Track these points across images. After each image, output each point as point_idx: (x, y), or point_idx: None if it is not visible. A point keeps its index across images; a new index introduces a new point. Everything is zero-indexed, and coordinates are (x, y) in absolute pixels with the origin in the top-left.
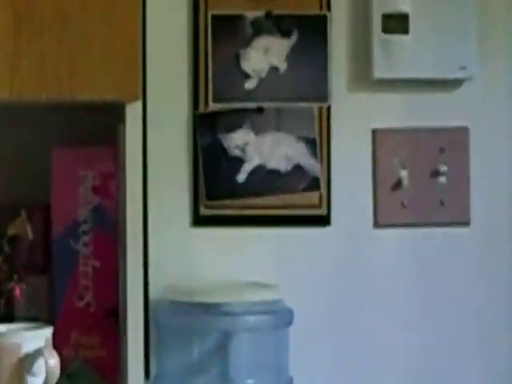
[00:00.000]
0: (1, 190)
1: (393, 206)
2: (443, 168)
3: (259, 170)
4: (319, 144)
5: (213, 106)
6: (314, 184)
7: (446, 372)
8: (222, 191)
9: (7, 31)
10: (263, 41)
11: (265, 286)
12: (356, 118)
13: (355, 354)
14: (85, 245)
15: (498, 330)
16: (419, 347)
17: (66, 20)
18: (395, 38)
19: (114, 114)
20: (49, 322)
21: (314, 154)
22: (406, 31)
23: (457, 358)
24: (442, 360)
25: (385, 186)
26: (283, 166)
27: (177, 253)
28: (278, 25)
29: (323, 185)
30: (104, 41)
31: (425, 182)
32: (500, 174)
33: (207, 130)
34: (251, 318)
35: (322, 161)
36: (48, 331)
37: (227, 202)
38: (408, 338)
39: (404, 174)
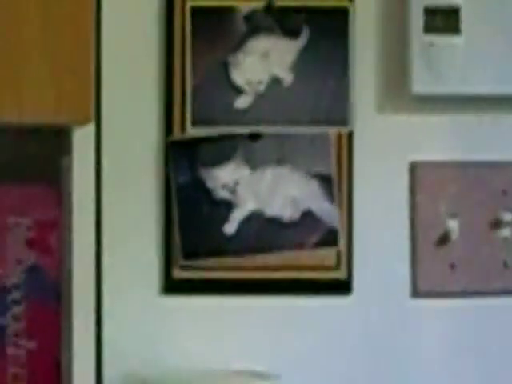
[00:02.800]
0: None
1: (438, 268)
2: (507, 217)
3: (255, 218)
4: (337, 183)
5: (192, 131)
6: (330, 237)
7: None
8: (203, 247)
9: None
10: (261, 42)
11: (260, 375)
12: (388, 147)
13: None
14: (15, 319)
15: None
16: None
17: None
18: (442, 40)
19: (57, 142)
20: None
21: (330, 196)
22: (456, 31)
23: None
24: None
25: (427, 241)
26: (288, 212)
27: (141, 330)
28: (282, 21)
29: (343, 238)
30: (44, 48)
31: (482, 235)
32: None
33: (184, 162)
34: None
35: (340, 206)
36: None
37: (210, 261)
38: None
39: (453, 224)
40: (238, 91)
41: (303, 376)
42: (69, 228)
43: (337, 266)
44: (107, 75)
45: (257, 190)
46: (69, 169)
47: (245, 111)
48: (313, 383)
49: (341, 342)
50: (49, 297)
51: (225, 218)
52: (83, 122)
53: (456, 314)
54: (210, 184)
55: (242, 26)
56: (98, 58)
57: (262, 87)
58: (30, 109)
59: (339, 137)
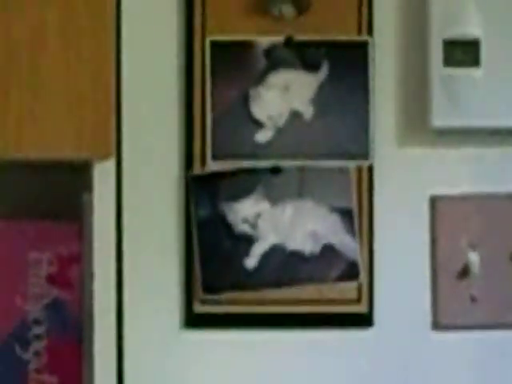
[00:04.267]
0: None
1: (459, 301)
2: None
3: (276, 252)
4: (358, 216)
5: (212, 166)
6: (351, 271)
7: None
8: (224, 281)
9: None
10: (281, 76)
11: None
12: (408, 180)
13: None
14: (36, 354)
15: None
16: None
17: (13, 59)
18: (462, 72)
19: (78, 177)
20: None
21: (351, 229)
22: (476, 63)
23: None
24: None
25: (448, 274)
26: (309, 246)
27: (162, 365)
28: (302, 54)
29: (364, 272)
30: (65, 83)
31: (504, 268)
32: None
33: (204, 197)
34: None
35: (361, 239)
36: None
37: (232, 295)
38: None
39: (474, 257)
40: (259, 125)
41: None
42: (89, 263)
43: (358, 300)
44: (128, 110)
45: (278, 223)
46: (90, 204)
47: (265, 145)
48: None
49: (362, 373)
50: (70, 332)
51: (245, 252)
52: (104, 157)
53: (477, 347)
54: (230, 218)
55: (261, 60)
56: (118, 93)
57: (282, 121)
58: (51, 144)
59: (359, 171)
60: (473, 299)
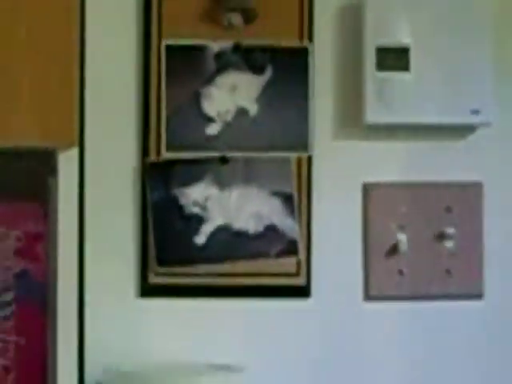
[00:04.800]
0: None
1: (388, 275)
2: (450, 230)
3: (223, 231)
4: (297, 200)
5: (166, 155)
6: (290, 248)
7: None
8: (176, 256)
9: None
10: (230, 77)
11: (227, 369)
12: (343, 169)
13: None
14: (5, 318)
15: None
16: None
17: None
18: (393, 75)
19: (43, 163)
20: None
21: (290, 212)
22: (406, 68)
23: None
24: None
25: (378, 252)
26: (253, 226)
27: (120, 329)
28: (249, 58)
29: (302, 249)
30: (32, 78)
31: (428, 247)
32: None
33: (159, 182)
34: None
35: (300, 220)
36: None
37: (183, 268)
38: None
39: (402, 237)
40: (209, 120)
41: (267, 368)
42: (54, 239)
43: (297, 274)
44: (91, 104)
45: (225, 206)
46: (55, 188)
47: (214, 138)
48: (274, 377)
49: (299, 340)
50: (36, 298)
51: (196, 231)
52: (68, 146)
53: (403, 317)
54: (182, 201)
55: (212, 63)
56: (82, 89)
57: (229, 117)
58: (18, 134)
59: (299, 161)
60: (400, 273)
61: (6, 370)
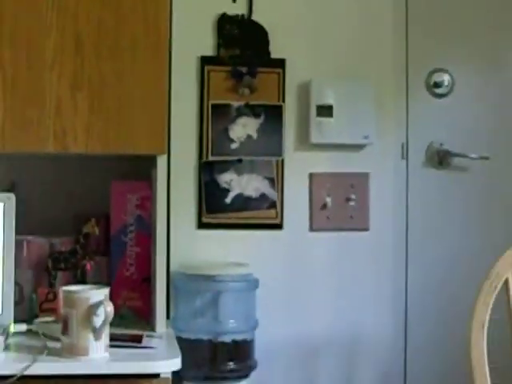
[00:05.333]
0: (80, 206)
1: (321, 219)
2: (352, 196)
3: (239, 196)
4: (276, 181)
5: (211, 158)
6: (272, 205)
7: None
8: (215, 208)
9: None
10: (242, 120)
11: (241, 264)
12: (300, 166)
13: (294, 305)
14: (130, 239)
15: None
16: (337, 305)
17: (115, 94)
18: (324, 119)
19: (150, 161)
20: (107, 284)
21: (273, 187)
22: (331, 116)
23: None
24: (351, 315)
25: (317, 207)
26: (254, 194)
27: (188, 244)
28: (252, 110)
29: (278, 206)
30: (141, 108)
31: (341, 204)
32: (385, 200)
33: (207, 171)
34: (232, 284)
35: (277, 191)
36: (106, 290)
37: (218, 214)
38: (328, 297)
39: (328, 199)
40: (232, 141)
41: (260, 266)
42: (155, 200)
43: (276, 218)
44: (173, 131)
45: (240, 184)
46: (155, 173)
47: (235, 150)
48: (264, 269)
49: (277, 250)
50: (145, 229)
51: (225, 196)
52: (162, 153)
53: (328, 240)
54: (218, 181)
55: (234, 113)
56: (169, 122)
57: (243, 139)
58: (137, 146)
59: (277, 161)
60: (328, 218)
61: (130, 264)
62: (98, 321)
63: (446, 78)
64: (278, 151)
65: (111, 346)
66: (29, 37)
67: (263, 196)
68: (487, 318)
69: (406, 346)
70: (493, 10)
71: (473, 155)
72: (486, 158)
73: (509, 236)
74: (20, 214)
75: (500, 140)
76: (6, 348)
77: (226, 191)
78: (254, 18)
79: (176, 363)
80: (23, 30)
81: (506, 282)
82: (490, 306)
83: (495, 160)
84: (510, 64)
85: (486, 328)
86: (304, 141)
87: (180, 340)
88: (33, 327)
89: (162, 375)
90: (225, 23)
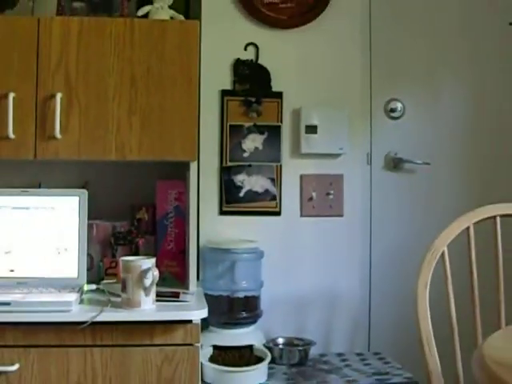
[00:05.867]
0: (135, 199)
1: (308, 208)
2: (331, 191)
3: (249, 192)
4: (276, 180)
5: (229, 163)
6: (273, 198)
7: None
8: (232, 199)
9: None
10: (251, 136)
11: (251, 241)
12: (292, 170)
13: (289, 270)
14: (170, 222)
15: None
16: (320, 270)
17: (159, 118)
18: (311, 135)
19: (185, 165)
20: (154, 255)
21: (274, 185)
22: (315, 133)
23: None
24: (330, 277)
25: (305, 199)
26: (260, 189)
27: (212, 226)
28: (259, 129)
29: (278, 198)
30: (178, 131)
31: (323, 197)
32: (355, 194)
33: (226, 173)
34: (245, 255)
35: (277, 188)
36: (153, 260)
37: (235, 204)
38: (313, 264)
39: (314, 194)
40: (244, 151)
41: (265, 242)
42: (188, 194)
43: (276, 207)
44: (202, 143)
45: (250, 182)
46: (189, 175)
47: (246, 157)
48: (268, 244)
49: (276, 231)
50: (182, 216)
51: (239, 191)
52: (193, 159)
53: (313, 224)
54: (234, 180)
55: (245, 131)
56: (199, 137)
57: (252, 150)
58: (173, 154)
59: (277, 166)
60: (313, 207)
61: (171, 241)
62: (147, 282)
63: (399, 105)
64: (277, 158)
65: (157, 300)
66: (97, 76)
67: (267, 191)
68: (429, 279)
69: (370, 300)
70: (432, 55)
71: (418, 161)
72: (428, 164)
73: (443, 220)
74: (91, 204)
75: (438, 150)
76: (81, 302)
77: (240, 188)
78: (260, 61)
79: (204, 312)
80: (93, 71)
81: (443, 253)
82: (431, 270)
83: (435, 165)
84: (444, 93)
85: (428, 287)
86: (296, 151)
87: (206, 296)
88: (100, 287)
89: (193, 321)
90: (239, 65)
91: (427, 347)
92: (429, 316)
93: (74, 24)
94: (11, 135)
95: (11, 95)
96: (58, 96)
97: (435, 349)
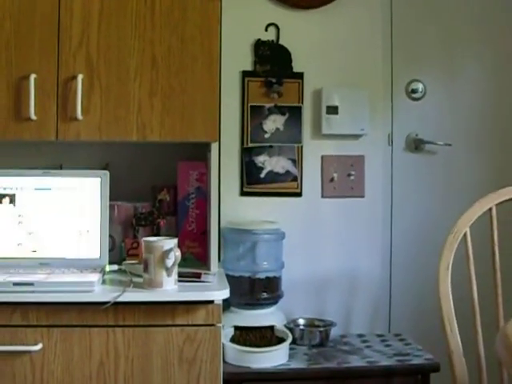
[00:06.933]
0: (156, 180)
1: (330, 189)
2: (352, 172)
3: (270, 172)
4: (297, 161)
5: (250, 144)
6: (294, 179)
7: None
8: (253, 180)
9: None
10: (273, 117)
11: (272, 222)
12: (313, 150)
13: (310, 251)
14: (192, 203)
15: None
16: (341, 251)
17: (180, 98)
18: (332, 116)
19: (206, 146)
20: (175, 236)
21: (295, 166)
22: (336, 113)
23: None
24: (351, 258)
25: (326, 180)
26: (281, 170)
27: (233, 207)
28: (280, 110)
29: (299, 179)
30: (199, 112)
31: (344, 178)
32: (376, 175)
33: (247, 154)
34: (266, 236)
35: (298, 169)
36: (175, 240)
37: (256, 185)
38: (334, 246)
39: (335, 174)
40: (265, 132)
41: (286, 222)
42: (209, 175)
43: (297, 188)
44: (223, 124)
45: (271, 163)
46: (209, 156)
47: (267, 138)
48: (290, 224)
49: (297, 212)
50: (203, 196)
51: (260, 172)
52: (214, 140)
53: (335, 204)
54: (255, 161)
55: (266, 112)
56: (219, 118)
57: (273, 131)
58: (196, 135)
59: (298, 147)
60: (334, 188)
61: (192, 221)
62: (169, 262)
63: (420, 86)
64: (298, 139)
65: (179, 281)
66: (118, 57)
67: (288, 172)
68: (451, 261)
69: (391, 280)
70: (453, 35)
71: (439, 142)
72: (449, 145)
73: (465, 202)
74: (112, 186)
75: (459, 131)
76: (103, 282)
77: (261, 169)
78: (281, 42)
79: (225, 293)
80: (114, 52)
81: (465, 234)
82: (453, 252)
83: (455, 146)
84: (465, 74)
85: (450, 269)
86: (317, 132)
87: (228, 276)
88: (122, 267)
89: (215, 302)
90: (259, 46)
91: (449, 327)
92: (451, 297)
93: (95, 4)
94: (33, 116)
95: (32, 76)
96: (80, 77)
97: (457, 329)
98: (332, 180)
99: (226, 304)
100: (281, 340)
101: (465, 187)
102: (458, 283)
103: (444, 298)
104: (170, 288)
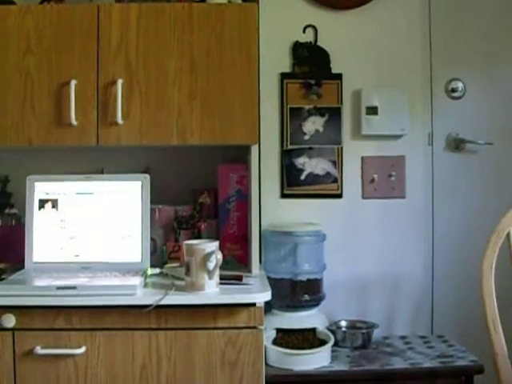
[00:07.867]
0: (197, 183)
1: (370, 190)
2: (393, 173)
3: (310, 175)
4: (337, 163)
5: (290, 146)
6: (335, 180)
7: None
8: (293, 182)
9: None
10: (312, 118)
11: (313, 223)
12: (353, 151)
13: (351, 253)
14: (232, 206)
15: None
16: (382, 253)
17: (220, 101)
18: (371, 117)
19: (246, 149)
20: (216, 239)
21: (335, 167)
22: (376, 114)
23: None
24: (392, 260)
25: (367, 181)
26: (321, 172)
27: (273, 209)
28: (319, 111)
29: (339, 181)
30: (239, 115)
31: (385, 179)
32: (417, 175)
33: (287, 156)
34: (307, 238)
35: (338, 170)
36: (217, 243)
37: (296, 187)
38: (375, 247)
39: (375, 175)
40: (304, 134)
41: (327, 224)
42: (249, 178)
43: (338, 189)
44: (262, 128)
45: (311, 165)
46: (250, 158)
47: (307, 140)
48: (331, 225)
49: (337, 214)
50: (243, 199)
51: (301, 174)
52: (254, 143)
53: (375, 205)
54: (295, 163)
55: (306, 113)
56: (259, 121)
57: (312, 132)
58: (237, 139)
59: (338, 148)
60: (375, 189)
61: (233, 224)
62: (211, 265)
63: (460, 85)
64: (338, 141)
65: (221, 283)
66: (157, 61)
67: (328, 174)
68: (494, 260)
69: (433, 282)
70: (492, 34)
71: (480, 142)
72: (491, 144)
73: (507, 201)
74: (154, 189)
75: (500, 130)
76: (145, 285)
77: (301, 170)
78: (319, 43)
79: (267, 295)
80: (153, 56)
81: (508, 234)
82: (497, 251)
83: (497, 145)
84: (505, 73)
85: (493, 268)
86: (357, 133)
87: (269, 279)
88: (164, 270)
89: (257, 304)
90: (298, 48)
91: (492, 327)
92: (494, 296)
93: (133, 10)
94: (74, 122)
95: (73, 82)
96: (119, 82)
97: (501, 329)
98: (372, 181)
99: (268, 306)
100: (323, 342)
101: (506, 186)
102: (500, 285)
103: (488, 297)
104: (211, 291)
